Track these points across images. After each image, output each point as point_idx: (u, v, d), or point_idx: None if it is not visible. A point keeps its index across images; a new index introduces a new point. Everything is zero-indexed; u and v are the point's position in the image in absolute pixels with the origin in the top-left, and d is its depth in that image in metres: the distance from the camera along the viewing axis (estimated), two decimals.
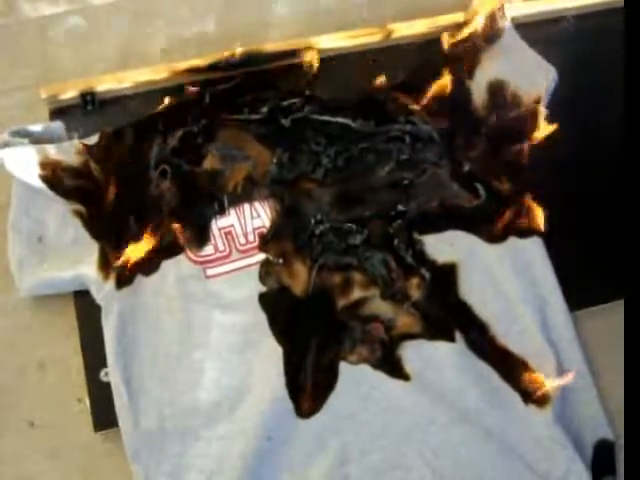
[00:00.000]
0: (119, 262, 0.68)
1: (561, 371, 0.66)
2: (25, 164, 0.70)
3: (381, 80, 0.78)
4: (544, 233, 0.72)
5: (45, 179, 0.70)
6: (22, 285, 0.70)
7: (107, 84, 0.77)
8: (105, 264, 0.69)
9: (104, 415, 0.66)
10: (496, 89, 0.77)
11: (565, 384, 0.65)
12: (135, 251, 0.69)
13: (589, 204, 0.76)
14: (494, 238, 0.71)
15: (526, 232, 0.72)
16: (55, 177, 0.71)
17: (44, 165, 0.71)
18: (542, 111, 0.76)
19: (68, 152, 0.72)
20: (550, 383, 0.65)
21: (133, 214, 0.70)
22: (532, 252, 0.71)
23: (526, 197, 0.73)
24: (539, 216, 0.72)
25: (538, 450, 0.63)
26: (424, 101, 0.77)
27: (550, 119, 0.76)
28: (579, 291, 0.71)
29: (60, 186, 0.71)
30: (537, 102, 0.77)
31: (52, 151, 0.71)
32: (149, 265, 0.69)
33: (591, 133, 0.79)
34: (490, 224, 0.72)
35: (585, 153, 0.78)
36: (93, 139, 0.73)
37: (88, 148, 0.73)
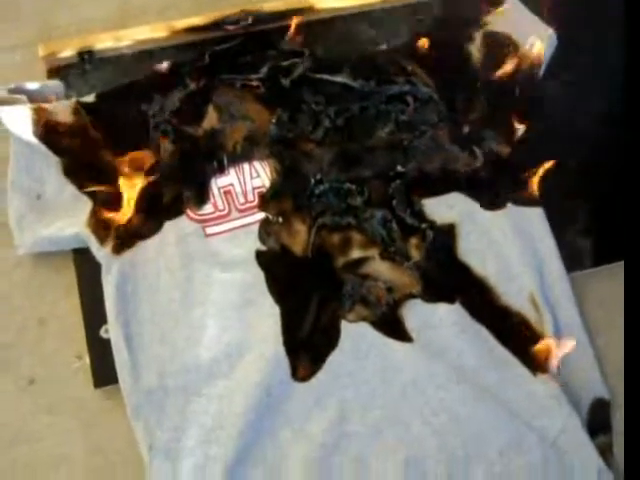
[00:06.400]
0: (117, 224, 0.68)
1: (559, 331, 0.67)
2: (22, 122, 0.69)
3: (381, 41, 0.78)
4: (542, 201, 0.72)
5: (40, 137, 0.70)
6: (22, 242, 0.70)
7: (105, 42, 0.77)
8: (100, 226, 0.68)
9: (104, 372, 0.65)
10: (494, 45, 0.77)
11: (562, 343, 0.66)
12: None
13: (589, 168, 0.75)
14: (492, 205, 0.71)
15: (525, 200, 0.72)
16: (50, 135, 0.70)
17: (39, 123, 0.70)
18: (540, 73, 0.76)
19: (64, 110, 0.71)
20: (547, 342, 0.65)
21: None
22: (530, 216, 0.71)
23: (525, 163, 0.73)
24: (538, 183, 0.72)
25: (535, 406, 0.64)
26: (424, 63, 0.76)
27: (549, 84, 0.76)
28: (577, 252, 0.72)
29: (55, 144, 0.70)
30: (536, 65, 0.76)
31: (48, 109, 0.71)
32: (149, 228, 0.69)
33: (589, 99, 0.79)
34: (488, 190, 0.72)
35: (585, 119, 0.78)
36: (90, 98, 0.73)
37: (85, 106, 0.72)
